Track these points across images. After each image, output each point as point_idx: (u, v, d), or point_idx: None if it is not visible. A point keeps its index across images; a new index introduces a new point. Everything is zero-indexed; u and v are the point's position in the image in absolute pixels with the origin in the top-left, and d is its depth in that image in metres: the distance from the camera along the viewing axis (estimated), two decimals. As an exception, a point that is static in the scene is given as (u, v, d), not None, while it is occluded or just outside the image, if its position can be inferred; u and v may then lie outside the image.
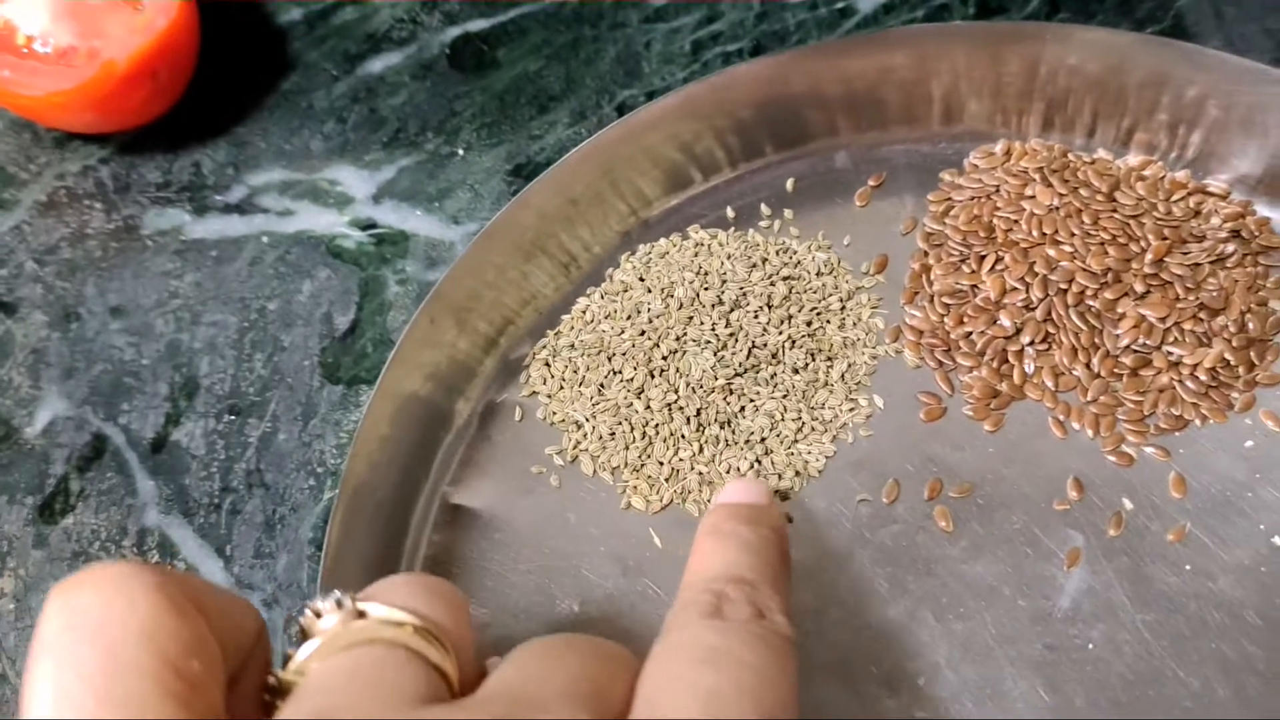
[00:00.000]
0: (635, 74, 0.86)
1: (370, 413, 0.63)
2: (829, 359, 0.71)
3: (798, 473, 0.67)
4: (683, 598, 0.51)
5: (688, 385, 0.68)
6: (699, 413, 0.68)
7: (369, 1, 0.90)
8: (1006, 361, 0.71)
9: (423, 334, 0.66)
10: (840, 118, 0.80)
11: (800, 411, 0.69)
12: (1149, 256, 0.71)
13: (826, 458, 0.68)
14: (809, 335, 0.71)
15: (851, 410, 0.70)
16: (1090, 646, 0.62)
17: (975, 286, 0.73)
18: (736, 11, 0.91)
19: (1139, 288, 0.71)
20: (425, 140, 0.83)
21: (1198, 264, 0.72)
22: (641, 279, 0.73)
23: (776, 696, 0.45)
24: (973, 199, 0.76)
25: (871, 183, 0.79)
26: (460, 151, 0.83)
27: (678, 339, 0.69)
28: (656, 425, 0.67)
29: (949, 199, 0.78)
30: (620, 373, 0.69)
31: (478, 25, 0.91)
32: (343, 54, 0.88)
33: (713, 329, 0.69)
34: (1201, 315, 0.71)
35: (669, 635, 0.48)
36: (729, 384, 0.68)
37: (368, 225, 0.79)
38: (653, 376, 0.68)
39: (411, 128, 0.84)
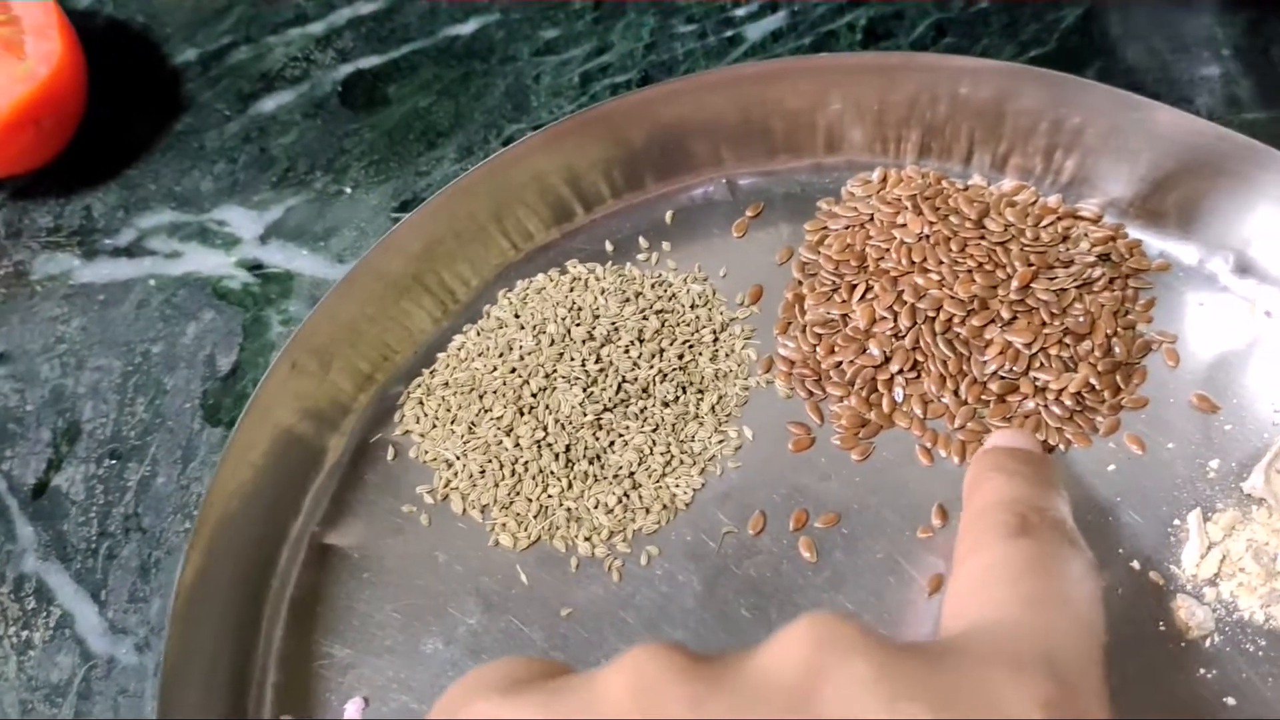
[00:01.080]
0: (523, 108, 0.87)
1: (228, 456, 0.64)
2: (700, 391, 0.72)
3: (665, 506, 0.68)
4: (977, 525, 0.52)
5: (556, 422, 0.69)
6: (568, 449, 0.68)
7: (263, 40, 0.91)
8: (876, 390, 0.72)
9: (282, 378, 0.66)
10: (724, 148, 0.81)
11: (669, 445, 0.69)
12: (1015, 283, 0.72)
13: (694, 490, 0.69)
14: (680, 368, 0.72)
15: (721, 442, 0.70)
16: (948, 673, 0.63)
17: (846, 316, 0.74)
18: (625, 42, 0.92)
19: (1005, 314, 0.72)
20: (314, 179, 0.84)
21: (1064, 289, 0.72)
22: (517, 315, 0.74)
23: (1095, 602, 0.48)
24: (847, 228, 0.77)
25: (749, 213, 0.80)
26: (348, 190, 0.84)
27: (547, 376, 0.70)
28: (526, 462, 0.68)
29: (825, 228, 0.79)
30: (490, 410, 0.69)
31: (370, 62, 0.92)
32: (236, 93, 0.89)
33: (583, 365, 0.70)
34: (1067, 340, 0.72)
35: (973, 557, 0.50)
36: (598, 419, 0.69)
37: (254, 266, 0.80)
38: (522, 414, 0.69)
39: (301, 166, 0.85)
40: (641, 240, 0.79)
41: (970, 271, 0.72)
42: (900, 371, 0.72)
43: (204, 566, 0.61)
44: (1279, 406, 0.71)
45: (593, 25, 0.91)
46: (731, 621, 0.65)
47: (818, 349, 0.73)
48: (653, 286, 0.75)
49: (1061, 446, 0.70)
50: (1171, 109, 0.75)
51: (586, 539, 0.67)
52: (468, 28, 0.94)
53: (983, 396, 0.71)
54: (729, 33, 0.90)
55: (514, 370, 0.70)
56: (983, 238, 0.73)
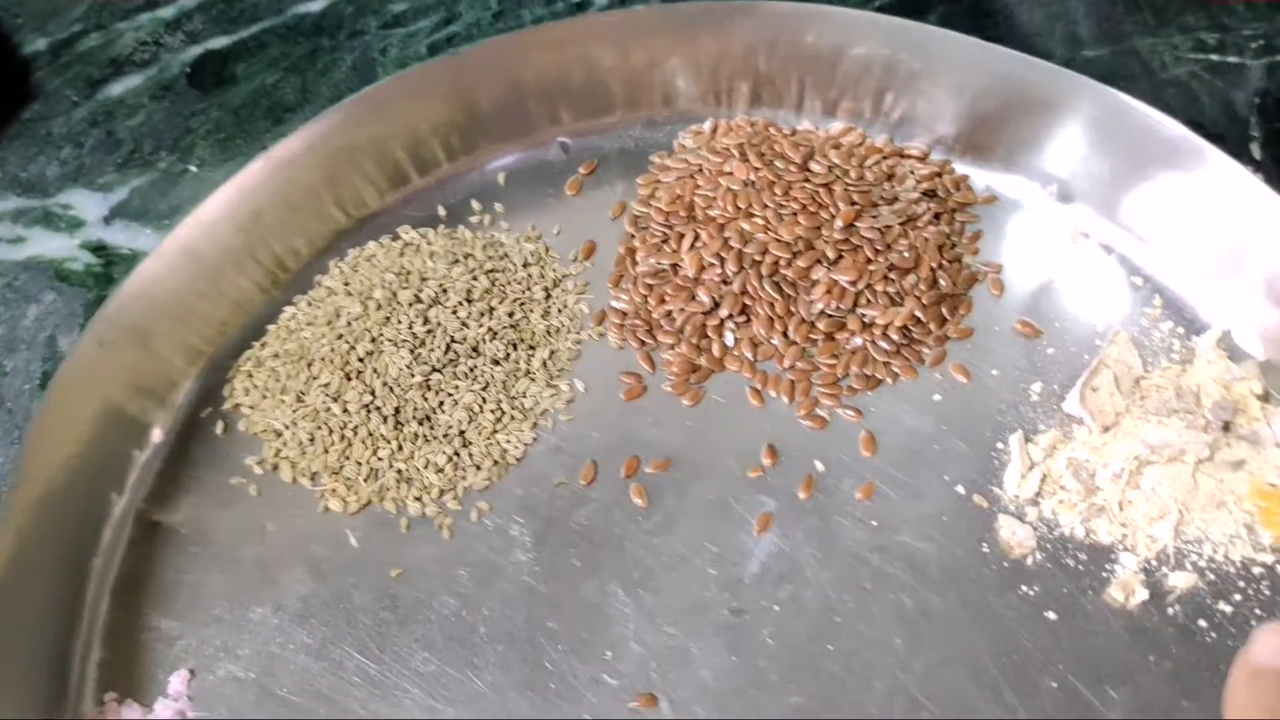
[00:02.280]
0: (370, 81, 0.88)
1: (35, 434, 0.63)
2: (531, 348, 0.72)
3: (496, 462, 0.68)
4: None
5: (385, 385, 0.69)
6: (397, 411, 0.68)
7: (113, 26, 0.91)
8: (706, 336, 0.73)
9: (89, 356, 0.66)
10: (560, 106, 0.81)
11: (500, 401, 0.69)
12: (839, 223, 0.72)
13: (525, 445, 0.69)
14: (511, 326, 0.72)
15: (553, 396, 0.71)
16: (776, 608, 0.64)
17: (676, 265, 0.74)
18: (473, 12, 0.92)
19: (831, 254, 0.72)
20: (159, 159, 0.84)
21: (888, 226, 0.73)
22: (346, 284, 0.74)
23: None
24: (678, 179, 0.77)
25: (583, 171, 0.80)
26: (193, 168, 0.84)
27: (374, 340, 0.70)
28: (355, 427, 0.68)
29: (657, 181, 0.79)
30: (318, 378, 0.69)
31: (219, 43, 0.92)
32: (85, 80, 0.89)
33: (409, 327, 0.70)
34: (892, 276, 0.72)
35: None
36: (426, 380, 0.69)
37: (98, 247, 0.80)
38: (349, 379, 0.69)
39: (146, 148, 0.85)
40: (475, 203, 0.79)
41: (795, 214, 0.73)
42: (730, 316, 0.72)
43: (19, 547, 0.60)
44: (1099, 327, 0.71)
45: (440, -5, 0.91)
46: (561, 572, 0.65)
47: (649, 299, 0.73)
48: (484, 248, 0.75)
49: (889, 380, 0.70)
50: (994, 46, 0.76)
51: (417, 499, 0.67)
52: (316, 5, 0.94)
53: (811, 336, 0.72)
54: (575, -2, 0.90)
55: (340, 337, 0.70)
56: (807, 180, 0.74)
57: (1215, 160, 0.69)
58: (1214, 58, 0.86)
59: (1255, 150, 0.82)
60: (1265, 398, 0.67)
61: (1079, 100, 0.73)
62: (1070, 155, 0.75)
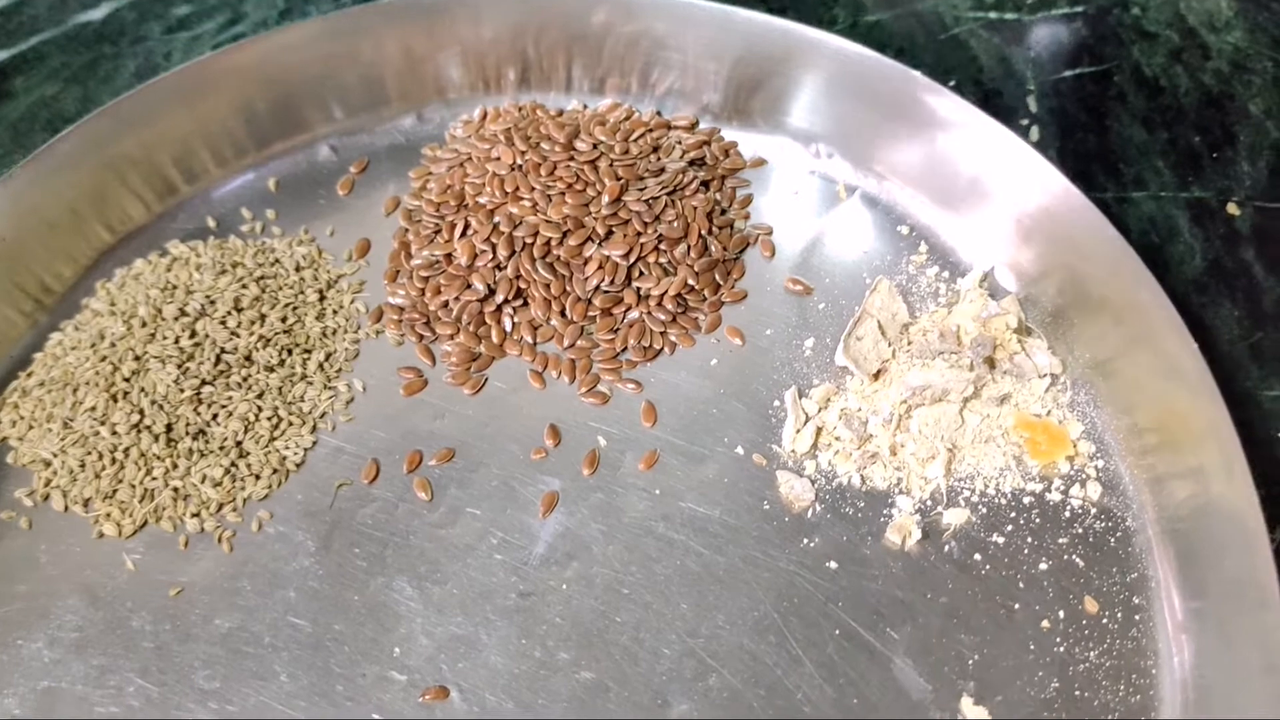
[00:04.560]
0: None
1: None
2: (306, 351, 0.71)
3: (275, 469, 0.67)
4: None
5: (154, 403, 0.67)
6: (169, 428, 0.67)
7: None
8: (484, 324, 0.72)
9: None
10: (331, 103, 0.81)
11: (276, 408, 0.68)
12: (605, 198, 0.72)
13: (305, 449, 0.68)
14: (284, 331, 0.70)
15: (331, 398, 0.70)
16: (564, 587, 0.64)
17: (449, 255, 0.73)
18: (260, 11, 0.91)
19: (600, 230, 0.72)
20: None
21: (655, 198, 0.73)
22: (112, 305, 0.71)
23: None
24: (448, 169, 0.77)
25: (354, 170, 0.79)
26: (-36, 189, 0.80)
27: (138, 358, 0.68)
28: (125, 449, 0.66)
29: (429, 173, 0.78)
30: (83, 403, 0.67)
31: None
32: None
33: (176, 342, 0.69)
34: (663, 247, 0.73)
35: None
36: (197, 394, 0.68)
37: None
38: (116, 400, 0.67)
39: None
40: (245, 211, 0.77)
41: (562, 193, 0.73)
42: (506, 301, 0.72)
43: None
44: (868, 278, 0.72)
45: (226, -4, 0.90)
46: (347, 573, 0.64)
47: (425, 292, 0.73)
48: (254, 255, 0.74)
49: (668, 350, 0.71)
50: (746, 11, 0.77)
51: (195, 515, 0.66)
52: (99, 13, 0.92)
53: (588, 314, 0.72)
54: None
55: (104, 358, 0.69)
56: (572, 159, 0.74)
57: (959, 110, 0.71)
58: (992, 15, 0.88)
59: (1031, 103, 0.84)
60: (1024, 331, 0.68)
61: (825, 58, 0.75)
62: (827, 112, 0.76)
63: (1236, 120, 0.83)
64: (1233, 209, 0.78)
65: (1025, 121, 0.79)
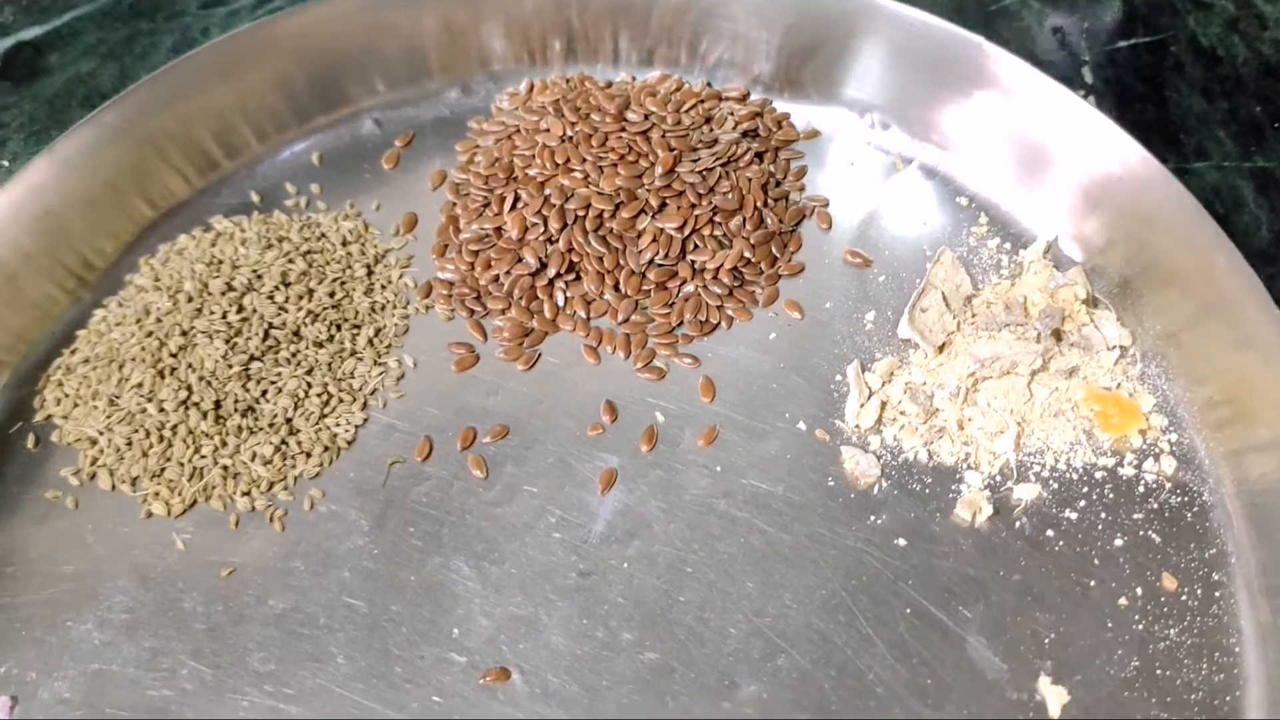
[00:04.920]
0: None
1: None
2: (356, 327, 0.69)
3: (326, 447, 0.65)
4: None
5: (201, 379, 0.65)
6: (217, 405, 0.65)
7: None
8: (536, 298, 0.70)
9: None
10: (373, 76, 0.78)
11: (326, 385, 0.67)
12: (658, 169, 0.70)
13: (356, 427, 0.66)
14: (333, 306, 0.69)
15: (381, 374, 0.68)
16: (625, 565, 0.62)
17: (499, 229, 0.71)
18: (294, -16, 0.89)
19: (654, 202, 0.70)
20: (-34, 161, 0.79)
21: (709, 169, 0.71)
22: (156, 280, 0.70)
23: None
24: (496, 142, 0.75)
25: (399, 144, 0.77)
26: (5, 163, 0.79)
27: (184, 334, 0.66)
28: (174, 426, 0.65)
29: (475, 146, 0.76)
30: (130, 379, 0.66)
31: (32, 33, 0.88)
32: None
33: (223, 317, 0.67)
34: (718, 219, 0.71)
35: None
36: (245, 369, 0.66)
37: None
38: (162, 377, 0.65)
39: (-47, 150, 0.80)
40: (289, 186, 0.75)
41: (614, 165, 0.71)
42: (558, 275, 0.70)
43: None
44: (928, 250, 0.70)
45: (263, -33, 0.88)
46: (402, 553, 0.62)
47: (475, 266, 0.71)
48: (300, 230, 0.72)
49: (724, 324, 0.69)
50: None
51: (245, 493, 0.64)
52: (134, -13, 0.90)
53: (642, 287, 0.70)
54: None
55: (150, 334, 0.67)
56: (623, 130, 0.72)
57: (1019, 70, 0.69)
58: (1042, -15, 0.87)
59: (1087, 74, 0.82)
60: (1091, 302, 0.66)
61: (884, 25, 0.73)
62: (884, 81, 0.74)
63: (1298, 89, 0.81)
64: (1298, 179, 0.76)
65: (1081, 93, 0.77)
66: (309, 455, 0.65)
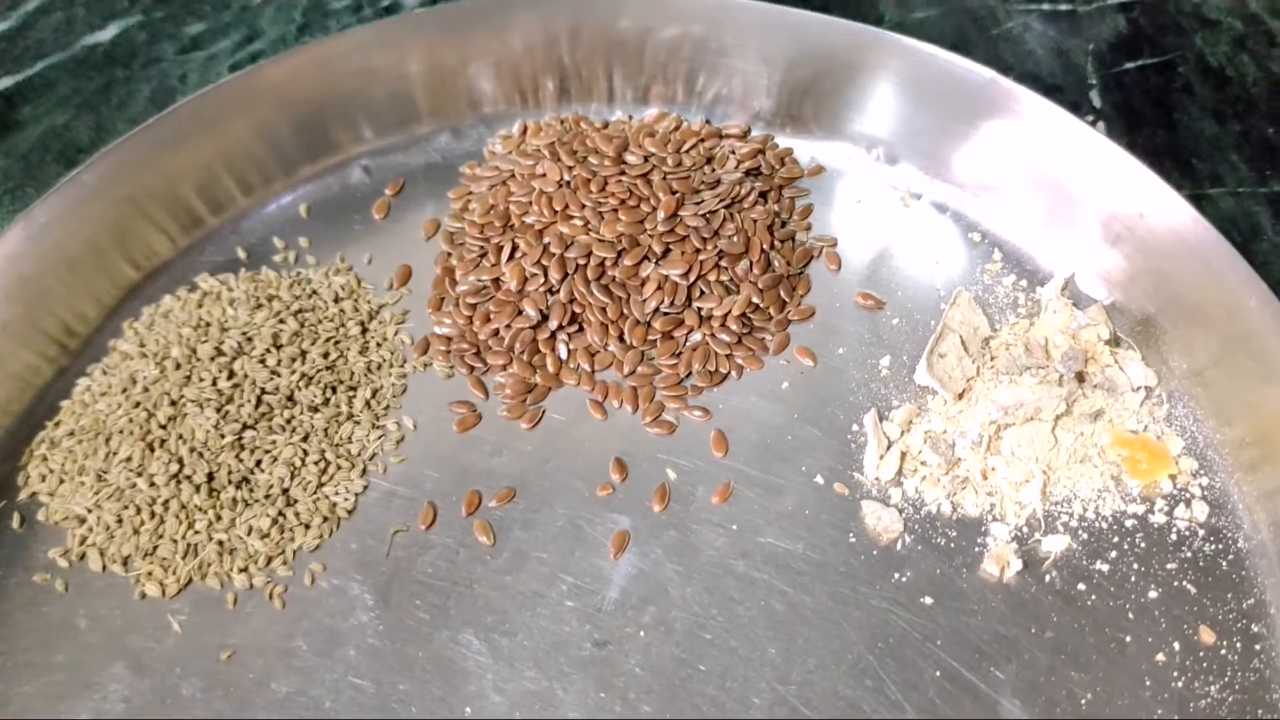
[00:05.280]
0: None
1: None
2: (352, 389, 0.66)
3: (325, 518, 0.63)
4: None
5: (193, 450, 0.62)
6: (210, 477, 0.62)
7: None
8: (538, 352, 0.68)
9: None
10: (361, 122, 0.76)
11: (323, 452, 0.64)
12: (661, 214, 0.68)
13: (356, 495, 0.63)
14: (327, 368, 0.66)
15: (380, 438, 0.65)
16: (641, 634, 0.59)
17: (497, 280, 0.69)
18: (276, 27, 0.86)
19: (657, 248, 0.68)
20: (-63, 222, 0.76)
21: (713, 212, 0.69)
22: (142, 345, 0.66)
23: None
24: (490, 188, 0.72)
25: (389, 192, 0.75)
26: (-22, 224, 0.76)
27: (174, 403, 0.63)
28: (165, 501, 0.62)
29: (469, 193, 0.73)
30: (118, 453, 0.62)
31: (2, 84, 0.84)
32: None
33: (214, 384, 0.64)
34: (724, 264, 0.68)
35: None
36: (239, 439, 0.63)
37: None
38: (152, 450, 0.62)
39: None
40: (277, 240, 0.72)
41: (615, 210, 0.68)
42: (560, 328, 0.67)
43: None
44: (941, 290, 0.68)
45: (240, 14, 0.85)
46: (409, 628, 0.60)
47: (473, 320, 0.68)
48: (290, 287, 0.69)
49: (734, 374, 0.66)
50: (797, 10, 0.73)
51: (242, 570, 0.61)
52: (107, 34, 0.88)
53: (648, 337, 0.67)
54: (385, 2, 0.84)
55: (138, 405, 0.64)
56: (623, 173, 0.69)
57: (1033, 104, 0.67)
58: (1045, 8, 0.84)
59: (1095, 97, 0.80)
60: (1114, 342, 0.64)
61: (889, 57, 0.70)
62: (890, 115, 0.72)
63: (1310, 109, 0.79)
64: (1316, 202, 0.74)
65: (1090, 118, 0.74)
66: (308, 527, 0.62)
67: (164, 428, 0.63)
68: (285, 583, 0.61)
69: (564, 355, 0.67)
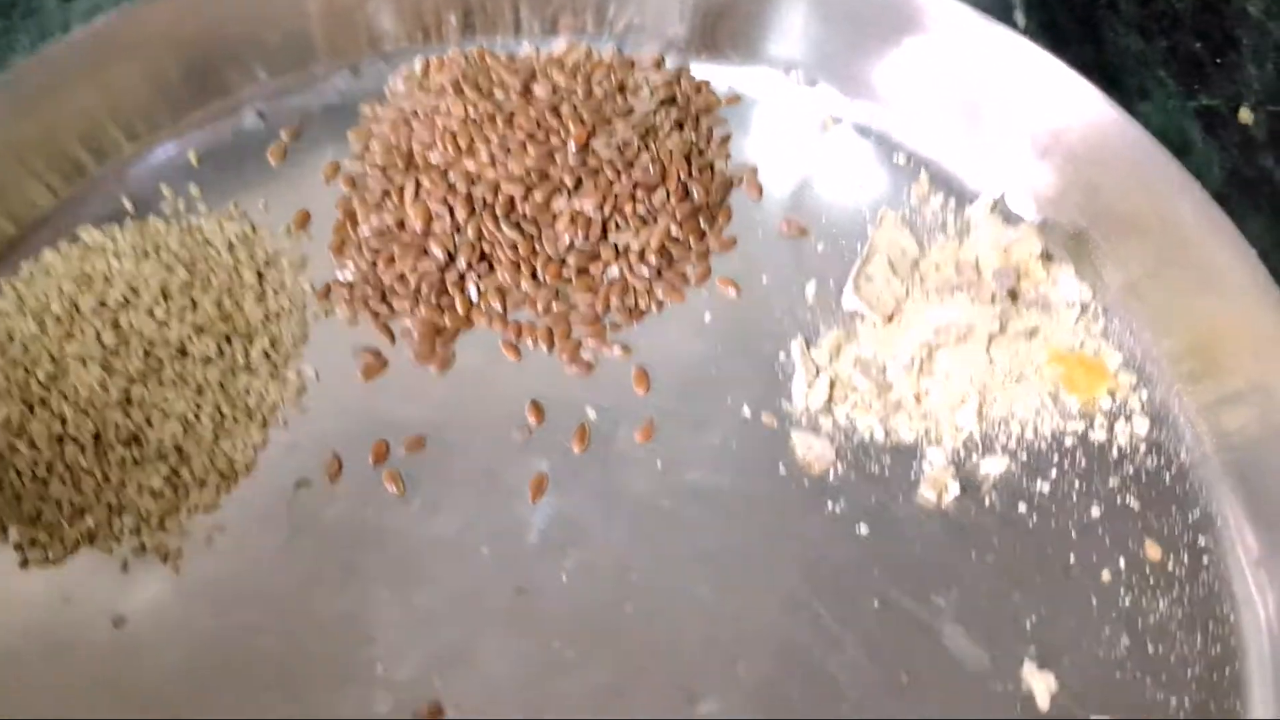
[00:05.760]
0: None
1: None
2: (248, 339, 0.61)
3: (223, 474, 0.58)
4: None
5: (77, 409, 0.57)
6: (96, 437, 0.57)
7: None
8: (446, 294, 0.64)
9: None
10: (254, 63, 0.71)
11: (218, 405, 0.59)
12: (571, 146, 0.63)
13: (255, 448, 0.59)
14: (221, 319, 0.61)
15: (280, 389, 0.60)
16: (564, 578, 0.56)
17: (401, 222, 0.64)
18: (168, -29, 0.80)
19: (568, 181, 0.64)
20: None
21: (626, 142, 0.65)
22: (21, 302, 0.61)
23: None
24: (391, 127, 0.68)
25: (285, 135, 0.70)
26: None
27: (54, 360, 0.58)
28: (48, 463, 0.56)
29: (370, 133, 0.69)
30: (-5, 415, 0.57)
31: None
32: None
33: (97, 338, 0.59)
34: (639, 196, 0.64)
35: None
36: (127, 395, 0.58)
37: None
38: (32, 409, 0.57)
39: None
40: (165, 189, 0.68)
41: (522, 144, 0.64)
42: (469, 268, 0.63)
43: None
44: (867, 213, 0.64)
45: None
46: (315, 585, 0.56)
47: (377, 263, 0.64)
48: (179, 236, 0.64)
49: (655, 309, 0.62)
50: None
51: (134, 532, 0.56)
52: (-19, -18, 0.81)
53: (562, 274, 0.63)
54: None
55: (16, 363, 0.59)
56: (530, 107, 0.65)
57: (953, 13, 0.63)
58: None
59: (1019, 18, 0.77)
60: (1048, 258, 0.61)
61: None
62: (809, 36, 0.69)
63: (1236, 24, 0.77)
64: (1245, 115, 0.72)
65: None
66: (203, 484, 0.58)
67: (45, 386, 0.58)
68: (182, 543, 0.56)
69: (474, 296, 0.63)
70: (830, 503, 0.57)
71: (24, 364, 0.59)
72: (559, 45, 0.72)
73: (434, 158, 0.65)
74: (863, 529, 0.56)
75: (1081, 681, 0.52)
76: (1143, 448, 0.58)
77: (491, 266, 0.64)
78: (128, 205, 0.67)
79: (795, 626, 0.54)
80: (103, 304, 0.61)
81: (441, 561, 0.56)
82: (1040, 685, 0.52)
